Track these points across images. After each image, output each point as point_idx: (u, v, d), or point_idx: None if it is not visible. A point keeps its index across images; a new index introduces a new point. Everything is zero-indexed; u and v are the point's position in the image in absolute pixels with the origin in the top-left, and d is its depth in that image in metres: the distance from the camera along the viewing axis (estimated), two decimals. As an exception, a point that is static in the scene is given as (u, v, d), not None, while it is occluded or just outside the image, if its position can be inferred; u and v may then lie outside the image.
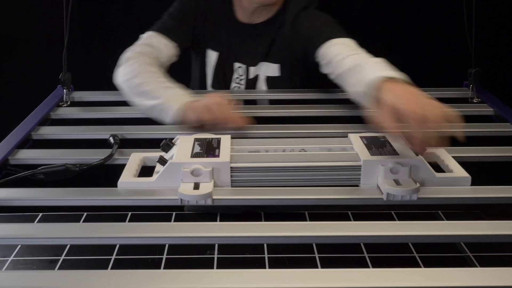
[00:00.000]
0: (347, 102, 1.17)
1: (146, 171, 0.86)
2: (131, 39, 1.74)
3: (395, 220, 1.30)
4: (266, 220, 1.24)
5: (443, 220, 1.30)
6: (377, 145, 0.83)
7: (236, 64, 1.26)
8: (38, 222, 1.29)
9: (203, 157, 0.79)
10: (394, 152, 0.80)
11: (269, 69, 1.23)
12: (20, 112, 1.13)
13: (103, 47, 1.77)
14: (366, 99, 0.89)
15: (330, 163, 0.79)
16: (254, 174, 0.79)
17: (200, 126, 0.97)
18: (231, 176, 0.78)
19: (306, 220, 1.25)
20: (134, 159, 0.87)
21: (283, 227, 0.69)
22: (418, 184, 0.75)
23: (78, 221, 1.34)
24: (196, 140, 0.86)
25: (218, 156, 0.80)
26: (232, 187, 0.79)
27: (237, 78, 1.27)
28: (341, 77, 1.06)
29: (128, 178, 0.80)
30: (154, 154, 0.87)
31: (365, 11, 1.83)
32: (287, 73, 1.24)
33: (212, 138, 0.86)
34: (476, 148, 0.94)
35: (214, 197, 0.76)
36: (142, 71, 1.08)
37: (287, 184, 0.79)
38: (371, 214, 1.24)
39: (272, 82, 1.24)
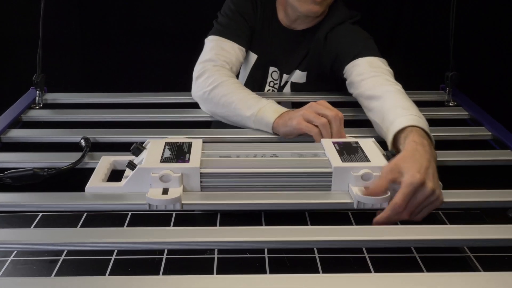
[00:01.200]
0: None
1: (116, 174, 0.85)
2: (132, 41, 1.75)
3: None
4: (266, 218, 1.23)
5: (444, 221, 1.30)
6: (349, 151, 0.82)
7: (272, 69, 1.26)
8: (37, 222, 1.28)
9: (172, 162, 0.78)
10: (365, 159, 0.79)
11: (297, 76, 1.24)
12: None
13: (103, 48, 1.76)
14: (384, 136, 0.93)
15: (301, 169, 0.78)
16: (224, 179, 0.78)
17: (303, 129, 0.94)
18: (201, 181, 0.77)
19: (306, 218, 1.24)
20: (104, 163, 0.86)
21: (284, 231, 0.68)
22: (388, 193, 0.74)
23: (79, 220, 1.34)
24: (166, 144, 0.85)
25: (188, 161, 0.78)
26: (201, 191, 0.78)
27: (271, 81, 1.27)
28: (359, 99, 1.06)
29: (96, 183, 0.79)
30: (124, 157, 0.86)
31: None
32: (312, 82, 1.23)
33: (183, 143, 0.85)
34: (450, 152, 0.94)
35: (183, 201, 0.75)
36: (223, 81, 1.08)
37: (258, 189, 0.78)
38: (371, 213, 1.24)
39: (296, 88, 1.25)
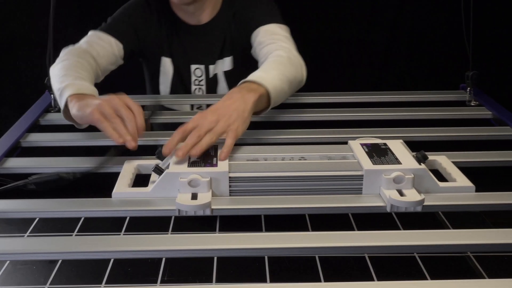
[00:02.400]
0: (344, 106, 1.15)
1: (140, 178, 0.84)
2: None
3: (395, 220, 1.29)
4: (266, 221, 1.22)
5: (443, 220, 1.29)
6: (379, 153, 0.81)
7: (193, 67, 1.26)
8: (35, 225, 1.26)
9: (200, 166, 0.77)
10: (396, 161, 0.78)
11: (225, 64, 1.26)
12: (21, 113, 1.11)
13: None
14: None
15: (331, 172, 0.77)
16: (253, 183, 0.76)
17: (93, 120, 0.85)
18: (230, 186, 0.76)
19: (306, 221, 1.23)
20: (128, 167, 0.84)
21: (285, 238, 0.67)
22: (422, 196, 0.73)
23: (77, 223, 1.32)
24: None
25: (216, 165, 0.77)
26: (230, 196, 0.77)
27: (195, 80, 1.27)
28: None
29: (122, 188, 0.77)
30: (149, 162, 0.84)
31: (363, 15, 1.82)
32: (239, 64, 1.26)
33: (209, 146, 0.84)
34: (476, 153, 0.92)
35: (213, 207, 0.73)
36: (67, 58, 1.05)
37: (287, 193, 0.77)
38: (371, 214, 1.23)
39: (228, 76, 1.26)
